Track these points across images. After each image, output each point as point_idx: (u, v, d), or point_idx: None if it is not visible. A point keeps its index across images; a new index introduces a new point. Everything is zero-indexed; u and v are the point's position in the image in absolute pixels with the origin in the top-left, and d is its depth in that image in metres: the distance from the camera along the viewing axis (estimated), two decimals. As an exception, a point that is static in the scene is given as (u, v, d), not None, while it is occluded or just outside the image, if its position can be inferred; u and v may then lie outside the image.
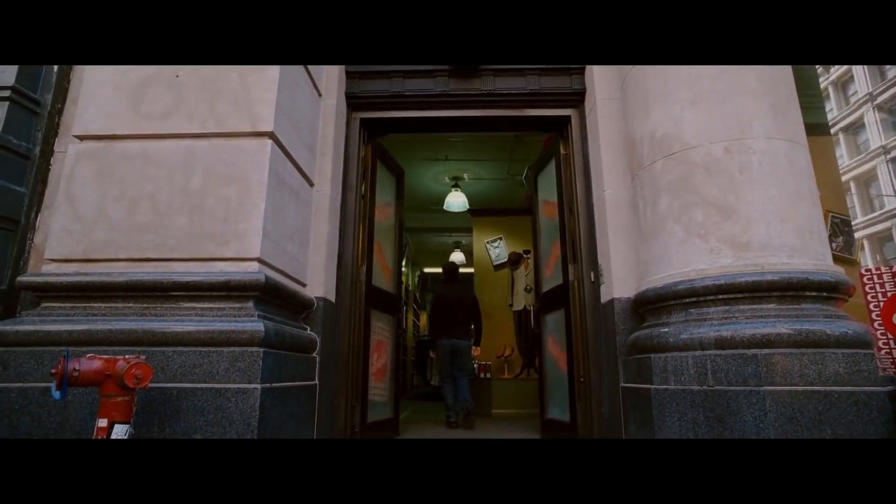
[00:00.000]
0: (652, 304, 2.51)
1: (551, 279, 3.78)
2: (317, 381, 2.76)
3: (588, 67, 3.32)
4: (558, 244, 3.62)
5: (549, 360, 3.84)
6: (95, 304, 2.20)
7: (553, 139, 3.78)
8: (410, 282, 10.53)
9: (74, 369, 1.61)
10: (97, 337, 2.08)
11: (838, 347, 2.04)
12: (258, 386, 2.00)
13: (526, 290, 6.40)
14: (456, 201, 6.92)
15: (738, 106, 2.39)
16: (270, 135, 2.38)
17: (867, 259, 18.90)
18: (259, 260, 2.22)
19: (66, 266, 2.24)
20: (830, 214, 4.27)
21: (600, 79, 3.16)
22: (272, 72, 2.44)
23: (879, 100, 19.16)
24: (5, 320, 2.23)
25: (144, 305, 2.19)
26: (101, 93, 2.42)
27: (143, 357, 1.76)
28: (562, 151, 3.55)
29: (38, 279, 2.21)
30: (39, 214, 2.69)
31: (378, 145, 3.78)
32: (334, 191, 3.14)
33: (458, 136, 5.54)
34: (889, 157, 19.01)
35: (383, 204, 3.92)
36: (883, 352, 3.14)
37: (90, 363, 1.65)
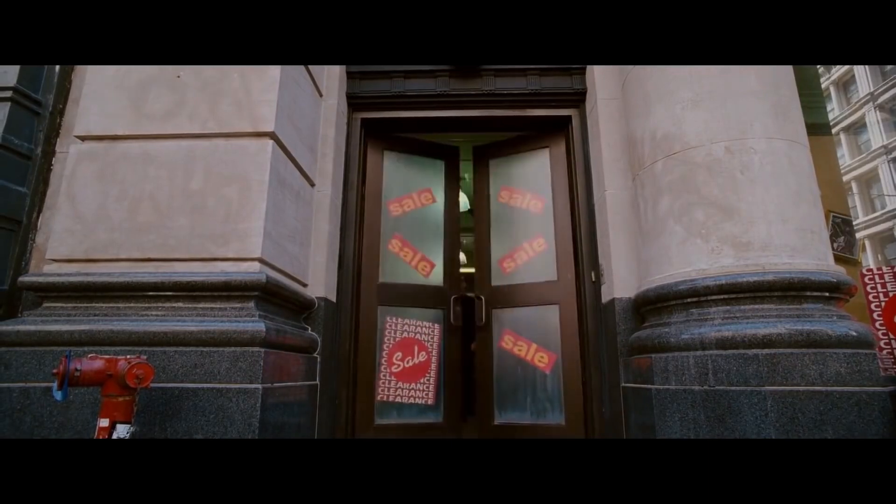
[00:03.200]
0: (653, 304, 2.51)
1: (520, 272, 3.59)
2: (318, 382, 2.76)
3: (589, 67, 3.32)
4: (541, 238, 3.55)
5: (503, 357, 3.52)
6: (97, 305, 2.20)
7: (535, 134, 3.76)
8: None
9: (76, 369, 1.62)
10: (99, 337, 2.08)
11: (840, 347, 2.04)
12: (259, 386, 2.00)
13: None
14: (457, 201, 6.91)
15: (740, 106, 2.39)
16: (271, 135, 2.38)
17: (868, 259, 18.86)
18: (260, 260, 2.23)
19: (67, 266, 2.25)
20: (832, 214, 4.27)
21: (601, 79, 3.16)
22: (273, 72, 2.44)
23: (881, 100, 19.12)
24: (7, 320, 2.23)
25: (146, 305, 2.19)
26: (103, 93, 2.43)
27: (144, 357, 1.77)
28: (562, 151, 3.54)
29: (40, 279, 2.21)
30: (41, 214, 2.69)
31: (390, 138, 3.77)
32: (335, 191, 3.14)
33: (459, 136, 5.53)
34: (890, 156, 18.98)
35: (418, 191, 3.79)
36: (884, 352, 3.13)
37: (92, 363, 1.65)
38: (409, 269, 3.67)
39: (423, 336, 3.59)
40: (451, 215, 3.90)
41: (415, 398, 3.44)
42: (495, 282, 3.70)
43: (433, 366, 3.57)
